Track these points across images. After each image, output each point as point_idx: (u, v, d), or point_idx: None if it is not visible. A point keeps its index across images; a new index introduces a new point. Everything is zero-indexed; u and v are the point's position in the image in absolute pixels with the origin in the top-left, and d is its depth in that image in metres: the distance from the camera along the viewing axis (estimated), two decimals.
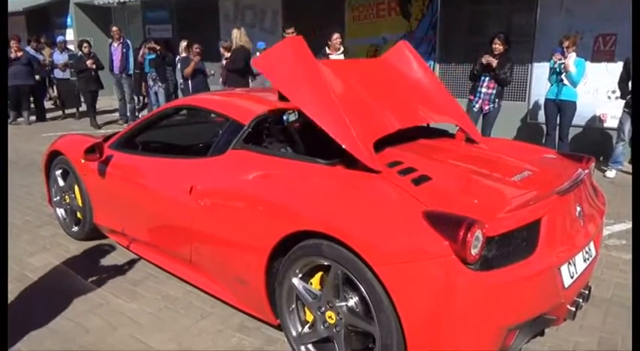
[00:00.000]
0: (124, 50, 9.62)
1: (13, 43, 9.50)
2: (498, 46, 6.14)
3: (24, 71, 9.64)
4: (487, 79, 6.21)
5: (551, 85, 6.26)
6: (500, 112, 6.35)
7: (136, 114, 9.97)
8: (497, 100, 6.22)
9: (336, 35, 6.43)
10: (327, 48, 6.43)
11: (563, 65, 6.03)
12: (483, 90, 6.26)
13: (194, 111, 3.84)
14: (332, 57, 6.39)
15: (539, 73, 7.29)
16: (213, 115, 3.66)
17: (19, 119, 10.15)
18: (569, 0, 7.04)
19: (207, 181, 2.81)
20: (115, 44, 9.67)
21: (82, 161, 3.57)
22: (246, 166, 2.71)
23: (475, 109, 6.30)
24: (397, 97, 3.03)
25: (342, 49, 6.52)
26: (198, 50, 7.80)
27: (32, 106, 10.35)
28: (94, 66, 9.37)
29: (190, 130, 4.20)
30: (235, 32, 7.93)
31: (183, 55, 8.80)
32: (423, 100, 3.11)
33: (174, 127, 4.16)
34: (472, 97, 6.38)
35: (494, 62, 6.05)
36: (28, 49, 10.61)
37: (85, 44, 9.54)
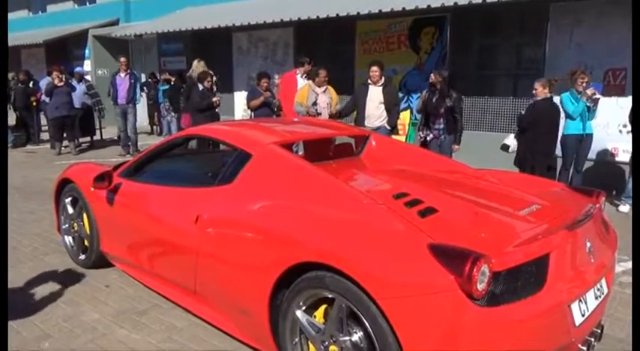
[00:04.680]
0: (132, 81, 9.67)
1: (55, 74, 9.57)
2: (432, 77, 6.25)
3: (65, 102, 9.63)
4: (432, 115, 6.27)
5: (574, 120, 6.18)
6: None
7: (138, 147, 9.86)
8: (444, 134, 6.19)
9: (322, 72, 6.54)
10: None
11: (594, 99, 5.98)
12: (431, 125, 6.31)
13: (203, 140, 3.88)
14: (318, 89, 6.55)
15: None
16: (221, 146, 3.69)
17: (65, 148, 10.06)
18: (578, 34, 7.09)
19: (213, 210, 2.81)
20: (122, 75, 9.62)
21: (92, 189, 3.61)
22: (251, 196, 2.71)
23: (428, 142, 6.34)
24: None
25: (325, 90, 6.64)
26: (266, 84, 7.37)
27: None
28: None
29: (199, 159, 4.23)
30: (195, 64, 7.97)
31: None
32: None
33: (183, 156, 4.20)
34: (421, 134, 6.45)
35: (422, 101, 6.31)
36: (46, 79, 10.83)
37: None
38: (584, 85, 6.01)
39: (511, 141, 6.31)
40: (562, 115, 6.34)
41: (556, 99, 6.15)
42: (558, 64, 7.17)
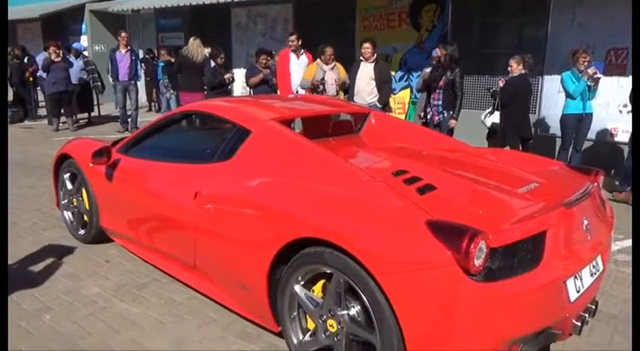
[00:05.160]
0: (133, 58, 9.49)
1: (52, 49, 9.43)
2: (436, 51, 6.20)
3: (62, 78, 9.53)
4: (433, 90, 6.25)
5: (575, 99, 6.16)
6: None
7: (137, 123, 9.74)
8: (444, 110, 6.17)
9: (328, 49, 6.57)
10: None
11: (595, 79, 5.96)
12: (432, 101, 6.29)
13: (202, 117, 3.86)
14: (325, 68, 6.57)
15: (550, 86, 7.27)
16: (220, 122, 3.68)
17: (62, 124, 10.00)
18: (581, 14, 7.02)
19: (212, 186, 2.82)
20: (123, 51, 9.32)
21: (90, 165, 3.61)
22: (250, 172, 2.72)
23: (428, 121, 6.32)
24: None
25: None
26: (265, 61, 7.28)
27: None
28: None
29: (197, 135, 4.22)
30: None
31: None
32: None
33: (182, 132, 4.19)
34: (422, 113, 6.45)
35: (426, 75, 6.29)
36: (43, 55, 10.72)
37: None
38: (585, 64, 5.97)
39: (489, 119, 6.44)
40: (562, 93, 6.33)
41: (556, 78, 6.12)
42: (560, 43, 7.11)
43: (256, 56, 7.41)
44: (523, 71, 6.06)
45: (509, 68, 6.09)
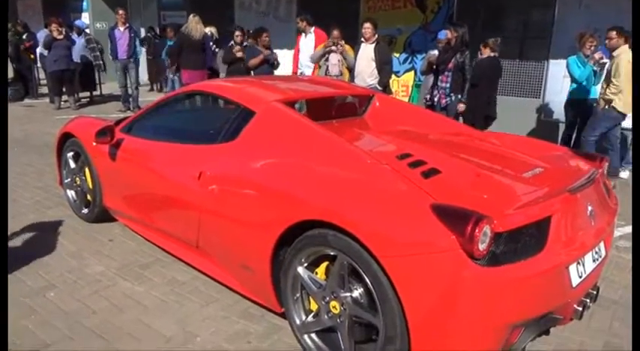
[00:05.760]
0: (132, 35, 9.36)
1: (54, 26, 9.29)
2: (447, 33, 6.12)
3: (64, 56, 9.41)
4: (441, 73, 6.19)
5: (580, 84, 6.10)
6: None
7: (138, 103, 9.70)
8: (451, 93, 6.13)
9: (335, 32, 6.57)
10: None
11: (601, 64, 5.90)
12: (439, 84, 6.23)
13: (206, 97, 3.84)
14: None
15: (556, 70, 7.21)
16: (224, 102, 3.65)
17: (64, 103, 9.91)
18: None
19: (216, 167, 2.81)
20: (121, 29, 9.21)
21: (94, 144, 3.60)
22: (255, 153, 2.71)
23: (435, 104, 6.26)
24: None
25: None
26: (268, 38, 7.17)
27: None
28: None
29: (201, 116, 4.20)
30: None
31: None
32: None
33: (186, 112, 4.17)
34: (427, 96, 6.41)
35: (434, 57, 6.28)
36: (43, 32, 10.61)
37: None
38: (592, 48, 5.91)
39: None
40: (568, 78, 6.28)
41: (562, 62, 6.06)
42: (567, 26, 7.04)
43: (254, 36, 7.37)
44: (492, 54, 6.29)
45: (479, 51, 6.41)
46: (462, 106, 6.12)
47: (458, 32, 6.05)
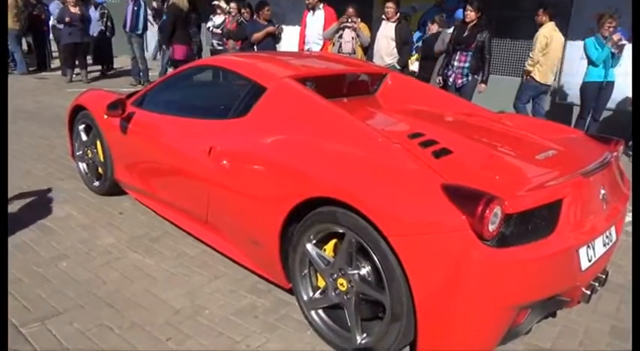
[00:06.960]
0: (135, 8, 9.37)
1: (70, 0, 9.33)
2: (469, 13, 5.92)
3: (78, 29, 9.42)
4: (459, 52, 6.02)
5: (597, 67, 5.99)
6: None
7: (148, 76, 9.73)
8: (469, 74, 6.00)
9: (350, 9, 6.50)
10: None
11: (619, 46, 5.78)
12: (455, 63, 6.06)
13: (217, 71, 3.82)
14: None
15: (573, 52, 7.06)
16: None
17: (76, 76, 9.94)
18: None
19: (226, 143, 2.81)
20: (130, 2, 9.44)
21: (105, 117, 3.61)
22: (265, 129, 2.70)
23: (449, 84, 6.12)
24: None
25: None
26: (269, 12, 7.22)
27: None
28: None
29: (213, 90, 4.19)
30: None
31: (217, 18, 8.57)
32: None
33: (197, 87, 4.15)
34: (440, 79, 6.30)
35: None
36: (56, 4, 10.55)
37: None
38: (610, 30, 5.77)
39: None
40: (585, 60, 6.15)
41: (579, 44, 5.93)
42: (586, 5, 6.86)
43: (257, 10, 7.31)
44: (439, 29, 6.76)
45: (427, 28, 7.07)
46: (483, 87, 6.02)
47: (481, 11, 5.91)
